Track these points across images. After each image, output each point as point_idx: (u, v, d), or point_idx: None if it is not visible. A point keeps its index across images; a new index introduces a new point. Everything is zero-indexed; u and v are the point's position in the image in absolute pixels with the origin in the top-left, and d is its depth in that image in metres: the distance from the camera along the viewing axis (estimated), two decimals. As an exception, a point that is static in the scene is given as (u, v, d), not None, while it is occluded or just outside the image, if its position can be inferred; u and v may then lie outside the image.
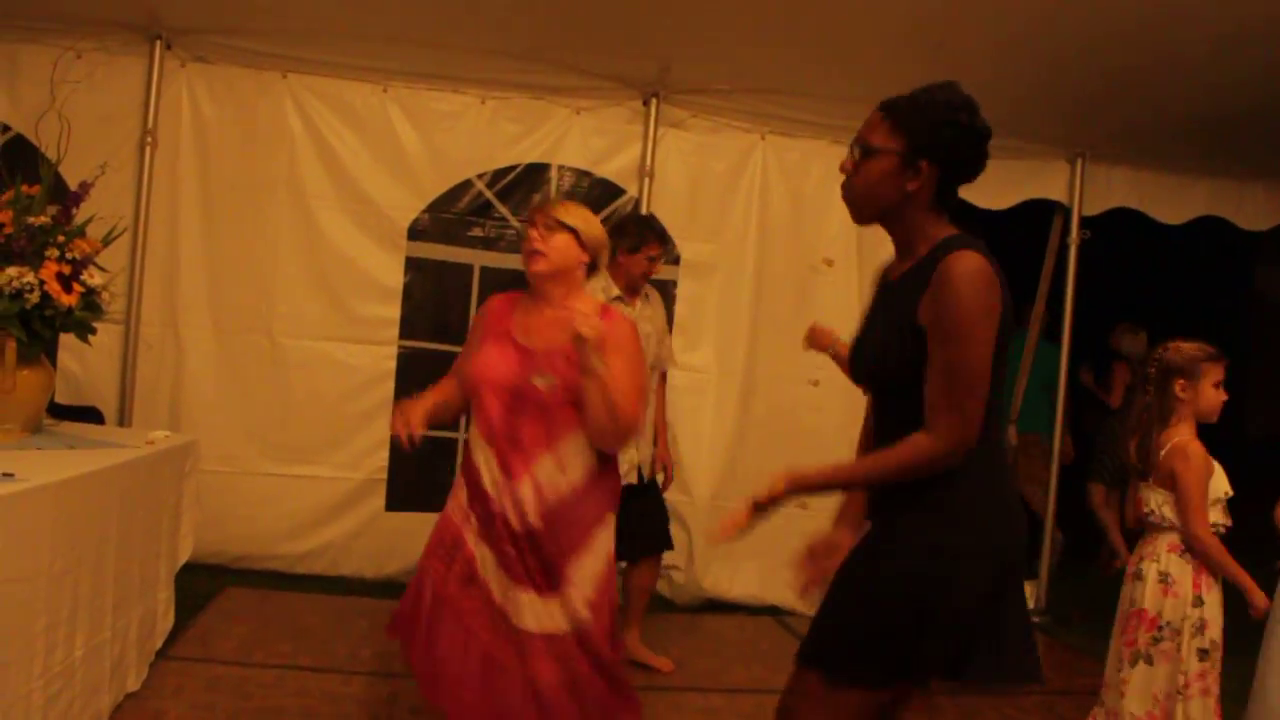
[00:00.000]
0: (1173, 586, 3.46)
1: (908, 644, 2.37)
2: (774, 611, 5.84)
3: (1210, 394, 3.50)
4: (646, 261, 4.71)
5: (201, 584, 5.13)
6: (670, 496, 5.88)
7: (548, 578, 3.13)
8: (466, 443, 3.30)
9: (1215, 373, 3.51)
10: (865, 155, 2.48)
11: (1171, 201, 6.47)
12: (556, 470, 3.15)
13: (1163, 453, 3.50)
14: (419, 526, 5.70)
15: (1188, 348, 3.55)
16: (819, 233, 6.01)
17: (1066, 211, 6.40)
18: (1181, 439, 3.48)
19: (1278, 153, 6.02)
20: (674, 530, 5.86)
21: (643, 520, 4.76)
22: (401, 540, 5.77)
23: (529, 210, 3.46)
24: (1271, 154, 6.05)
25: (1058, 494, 6.41)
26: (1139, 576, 3.56)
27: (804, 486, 2.45)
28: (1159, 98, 5.44)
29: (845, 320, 3.53)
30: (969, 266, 2.33)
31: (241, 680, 4.18)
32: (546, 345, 3.20)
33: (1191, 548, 3.46)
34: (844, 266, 6.03)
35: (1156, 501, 3.53)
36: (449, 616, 3.16)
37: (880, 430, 2.53)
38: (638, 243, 4.70)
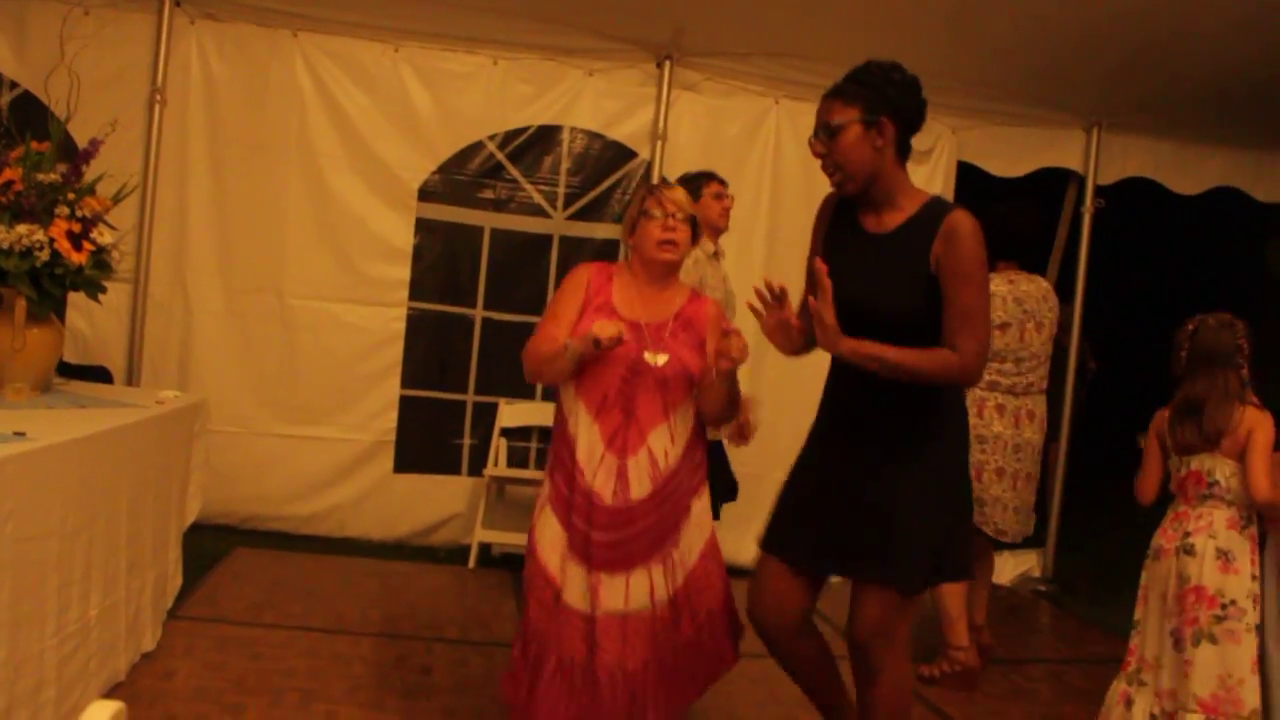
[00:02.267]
0: (1233, 564, 3.37)
1: (953, 546, 2.92)
2: (781, 578, 5.82)
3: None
4: (715, 200, 4.70)
5: (209, 544, 5.13)
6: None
7: (644, 550, 3.17)
8: (561, 420, 3.23)
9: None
10: (833, 134, 2.84)
11: (1187, 172, 6.44)
12: (669, 442, 3.20)
13: (1240, 425, 3.40)
14: (427, 488, 5.79)
15: (1218, 319, 3.52)
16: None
17: (1081, 180, 6.35)
18: (1256, 408, 3.42)
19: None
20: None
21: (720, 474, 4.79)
22: (409, 502, 5.79)
23: (646, 193, 3.36)
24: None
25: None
26: (1188, 551, 3.41)
27: (860, 351, 2.78)
28: (1178, 68, 5.39)
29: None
30: (972, 222, 2.78)
31: (251, 640, 4.19)
32: (651, 320, 3.25)
33: (1262, 503, 3.37)
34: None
35: (1225, 473, 3.41)
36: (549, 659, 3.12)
37: (858, 369, 2.83)
38: (696, 189, 4.67)
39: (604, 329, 3.04)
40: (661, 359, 3.21)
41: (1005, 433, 4.49)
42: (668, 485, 3.19)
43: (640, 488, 3.15)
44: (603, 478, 3.15)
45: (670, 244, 3.29)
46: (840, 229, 3.01)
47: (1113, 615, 5.60)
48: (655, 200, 3.34)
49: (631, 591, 3.15)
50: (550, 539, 3.17)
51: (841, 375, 3.00)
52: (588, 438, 3.17)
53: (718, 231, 4.77)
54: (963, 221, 2.76)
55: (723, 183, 4.82)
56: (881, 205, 2.90)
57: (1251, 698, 3.33)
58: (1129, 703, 3.50)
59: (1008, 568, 6.28)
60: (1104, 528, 7.32)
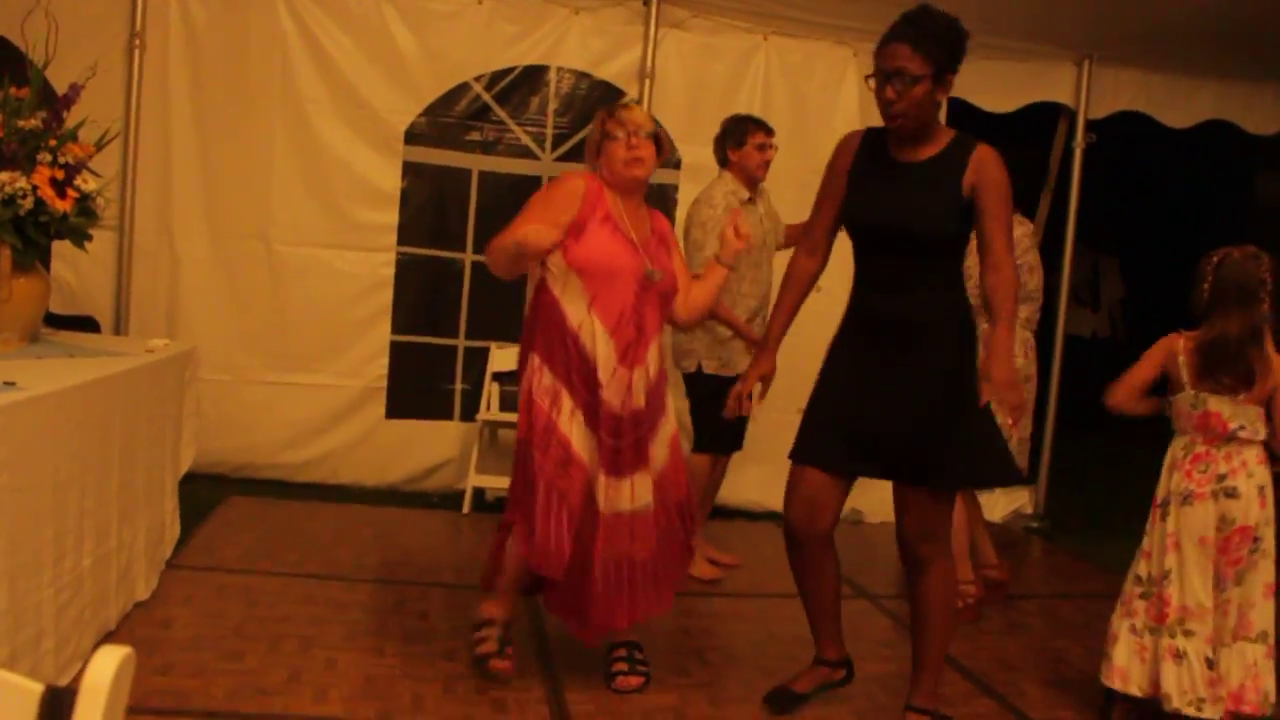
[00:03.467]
0: (1267, 497, 3.38)
1: (994, 449, 3.22)
2: (774, 516, 5.79)
3: None
4: (756, 151, 4.75)
5: (203, 493, 5.12)
6: (677, 404, 5.91)
7: (638, 456, 3.40)
8: (567, 332, 3.36)
9: None
10: (911, 84, 3.08)
11: (1179, 104, 6.38)
12: (658, 353, 3.48)
13: (1262, 364, 3.34)
14: (419, 434, 5.78)
15: (1244, 252, 3.40)
16: (822, 136, 5.83)
17: (1072, 115, 6.30)
18: (1273, 351, 3.36)
19: (1288, 55, 5.93)
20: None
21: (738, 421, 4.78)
22: (402, 448, 5.78)
23: (605, 115, 3.53)
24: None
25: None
26: (1230, 494, 3.34)
27: (1008, 354, 3.13)
28: (1171, -1, 5.33)
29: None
30: (996, 152, 3.15)
31: (248, 588, 4.19)
32: (642, 237, 3.47)
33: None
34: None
35: (1249, 418, 3.36)
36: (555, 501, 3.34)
37: (890, 283, 3.19)
38: (741, 136, 4.76)
39: (538, 234, 3.26)
40: (659, 274, 3.45)
41: (1020, 365, 4.48)
42: (655, 393, 3.48)
43: (639, 397, 3.40)
44: (614, 389, 3.36)
45: (637, 160, 3.46)
46: (869, 161, 3.28)
47: (1103, 550, 5.66)
48: (616, 121, 3.50)
49: (636, 491, 3.40)
50: (579, 437, 3.35)
51: (871, 290, 3.25)
52: (605, 352, 3.34)
53: (754, 181, 4.81)
54: (990, 152, 3.14)
55: (769, 131, 4.84)
56: (918, 140, 3.19)
57: (1261, 620, 3.36)
58: (1179, 656, 3.34)
59: (1000, 505, 6.31)
60: (1093, 464, 7.37)
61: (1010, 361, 3.12)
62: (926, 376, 3.16)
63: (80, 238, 3.80)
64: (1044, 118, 6.41)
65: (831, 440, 3.26)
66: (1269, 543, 3.38)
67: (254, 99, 5.50)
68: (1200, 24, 5.55)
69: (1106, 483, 7.02)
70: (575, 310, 3.37)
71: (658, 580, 3.48)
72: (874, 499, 4.96)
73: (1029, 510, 6.37)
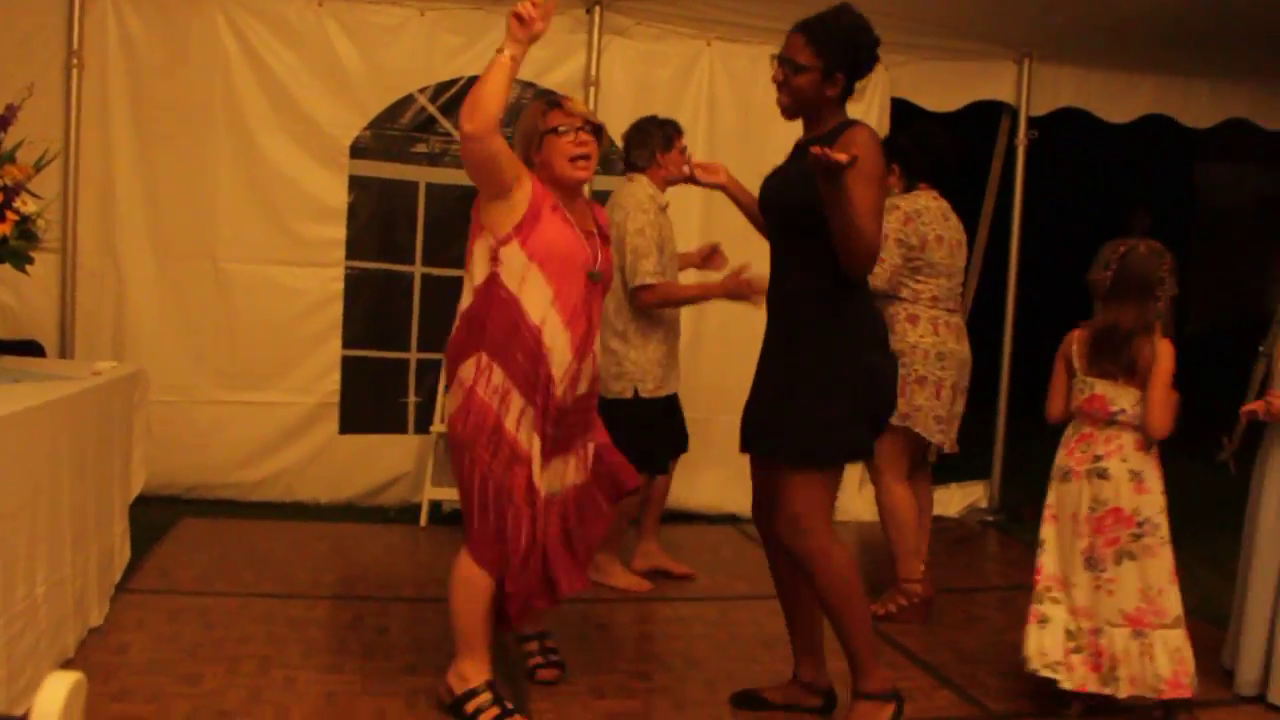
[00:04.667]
0: (1145, 484, 3.47)
1: (840, 433, 3.24)
2: (733, 520, 5.88)
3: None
4: (679, 153, 4.71)
5: (156, 516, 5.06)
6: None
7: (575, 436, 3.41)
8: (526, 328, 3.22)
9: None
10: (794, 72, 3.19)
11: (1117, 100, 6.48)
12: (598, 343, 3.46)
13: (1148, 353, 3.46)
14: (374, 448, 5.75)
15: (1150, 247, 3.54)
16: (768, 139, 5.89)
17: (1014, 113, 6.38)
18: (1158, 339, 3.48)
19: (1221, 50, 6.04)
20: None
21: (677, 430, 4.91)
22: (357, 463, 5.74)
23: (546, 107, 3.38)
24: (1215, 52, 6.06)
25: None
26: (1101, 475, 3.49)
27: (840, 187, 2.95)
28: (1104, -3, 5.42)
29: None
30: (868, 132, 3.17)
31: (204, 610, 4.15)
32: (585, 229, 3.38)
33: (1158, 439, 3.47)
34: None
35: (1130, 402, 3.48)
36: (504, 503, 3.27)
37: (775, 262, 3.32)
38: (668, 139, 4.71)
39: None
40: (600, 274, 3.38)
41: (957, 349, 4.53)
42: (595, 378, 3.46)
43: (584, 385, 3.37)
44: (566, 384, 3.29)
45: (585, 159, 3.32)
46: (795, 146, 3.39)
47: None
48: (562, 113, 3.32)
49: (571, 470, 3.42)
50: (525, 436, 3.25)
51: (773, 287, 3.36)
52: (563, 347, 3.26)
53: (670, 183, 4.72)
54: (859, 131, 3.14)
55: (681, 131, 4.81)
56: (813, 127, 3.28)
57: (1173, 606, 3.46)
58: (1043, 621, 3.55)
59: (955, 500, 6.37)
60: (1045, 457, 7.44)
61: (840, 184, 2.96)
62: (788, 354, 3.25)
63: (21, 261, 3.75)
64: (986, 116, 6.49)
65: (742, 424, 3.41)
66: (1166, 530, 3.48)
67: (196, 116, 5.45)
68: (1135, 22, 5.64)
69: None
70: (537, 306, 3.22)
71: (575, 554, 3.44)
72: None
73: (984, 504, 6.43)
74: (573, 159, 3.29)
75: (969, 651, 4.18)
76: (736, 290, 4.37)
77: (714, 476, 5.85)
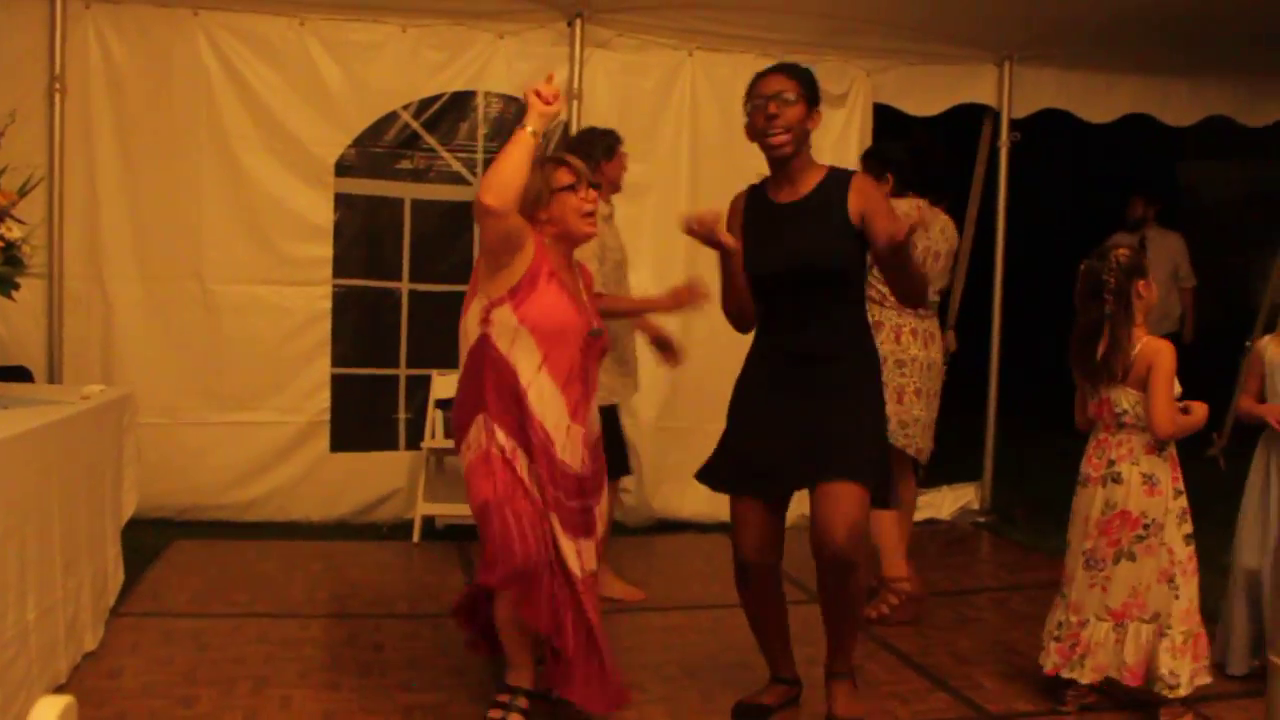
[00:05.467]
0: (1156, 486, 3.49)
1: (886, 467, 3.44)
2: (724, 528, 5.81)
3: (1153, 289, 3.56)
4: (620, 165, 4.74)
5: (148, 539, 5.05)
6: (614, 420, 5.90)
7: (588, 520, 3.30)
8: (518, 390, 3.18)
9: (1147, 269, 3.58)
10: (788, 103, 3.28)
11: (1098, 101, 6.51)
12: (595, 410, 3.40)
13: (1135, 353, 3.49)
14: (365, 466, 5.74)
15: (1126, 248, 3.61)
16: (750, 148, 5.85)
17: (996, 115, 6.41)
18: (1155, 338, 3.52)
19: (1201, 50, 6.08)
20: (622, 453, 5.89)
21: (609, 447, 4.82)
22: (348, 481, 5.74)
23: (555, 165, 3.36)
24: (1194, 51, 6.10)
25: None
26: (1115, 479, 3.52)
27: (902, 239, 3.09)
28: (1082, -1, 5.45)
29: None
30: (864, 175, 3.51)
31: (198, 631, 4.14)
32: (577, 290, 3.35)
33: (1162, 439, 3.50)
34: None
35: (1130, 402, 3.50)
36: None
37: (795, 321, 3.32)
38: (612, 147, 4.71)
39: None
40: (600, 331, 3.36)
41: (920, 355, 4.62)
42: (598, 453, 3.37)
43: (588, 456, 3.31)
44: (570, 449, 3.24)
45: (592, 215, 3.32)
46: (754, 212, 3.43)
47: (1050, 541, 5.72)
48: (570, 170, 3.34)
49: (586, 557, 3.31)
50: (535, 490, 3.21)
51: (777, 331, 3.38)
52: (555, 410, 3.21)
53: (615, 191, 4.78)
54: (863, 177, 3.45)
55: (622, 140, 4.82)
56: (795, 178, 3.35)
57: (1156, 602, 3.50)
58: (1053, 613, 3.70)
59: (947, 502, 6.38)
60: (1036, 458, 7.46)
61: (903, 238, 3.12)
62: (835, 394, 3.30)
63: (7, 287, 3.74)
64: (969, 119, 6.52)
65: (764, 468, 3.36)
66: (1171, 531, 3.51)
67: (180, 138, 5.46)
68: (1114, 23, 5.68)
69: (1049, 475, 7.10)
70: (526, 368, 3.20)
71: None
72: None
73: (976, 506, 6.44)
74: (584, 215, 3.30)
75: (964, 653, 4.19)
76: (679, 303, 4.31)
77: (704, 486, 5.84)
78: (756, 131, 3.33)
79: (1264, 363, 3.89)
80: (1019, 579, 5.35)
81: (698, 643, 4.28)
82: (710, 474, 3.54)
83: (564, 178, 3.32)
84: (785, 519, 3.46)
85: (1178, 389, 3.51)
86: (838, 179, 3.33)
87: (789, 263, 3.30)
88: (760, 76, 3.37)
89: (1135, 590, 3.50)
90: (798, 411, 3.30)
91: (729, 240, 3.26)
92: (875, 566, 4.54)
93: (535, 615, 3.19)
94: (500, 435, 3.19)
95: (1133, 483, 3.51)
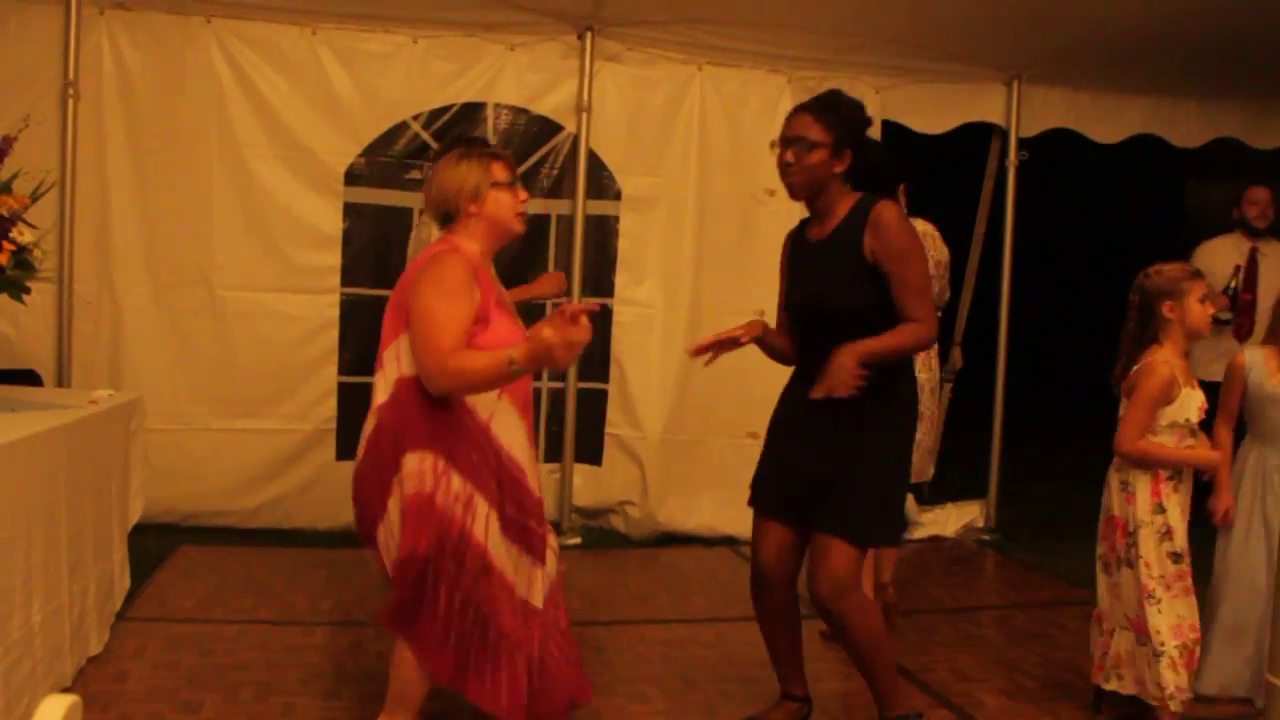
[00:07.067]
0: (1132, 495, 3.53)
1: (895, 509, 3.46)
2: (730, 542, 5.88)
3: (1197, 310, 3.53)
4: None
5: (153, 544, 5.06)
6: (622, 432, 5.92)
7: (544, 545, 3.15)
8: (475, 426, 2.97)
9: (1198, 289, 3.55)
10: (807, 150, 3.23)
11: (1107, 121, 6.53)
12: None
13: (1134, 369, 3.55)
14: (372, 475, 5.72)
15: (1169, 269, 3.58)
16: (759, 163, 5.91)
17: (1004, 134, 6.42)
18: (1154, 358, 3.52)
19: (1209, 71, 6.09)
20: (627, 466, 5.90)
21: None
22: (354, 489, 5.73)
23: (490, 158, 3.12)
24: (1203, 72, 6.11)
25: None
26: (1107, 483, 3.65)
27: (859, 354, 3.06)
28: (1093, 18, 5.46)
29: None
30: (894, 209, 3.23)
31: (203, 637, 4.15)
32: (509, 302, 3.18)
33: (1121, 455, 3.55)
34: (785, 196, 5.99)
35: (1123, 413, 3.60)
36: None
37: (821, 357, 3.13)
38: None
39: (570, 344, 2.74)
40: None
41: (921, 377, 4.55)
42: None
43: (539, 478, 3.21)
44: (532, 473, 3.12)
45: (523, 213, 3.16)
46: (795, 247, 3.47)
47: (1053, 560, 5.74)
48: (505, 166, 3.13)
49: (550, 563, 3.18)
50: (505, 554, 3.00)
51: (805, 363, 3.36)
52: (518, 436, 3.07)
53: None
54: (885, 210, 3.21)
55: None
56: (824, 215, 3.33)
57: (1153, 620, 3.46)
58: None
59: (951, 519, 6.37)
60: (1041, 477, 7.47)
61: (854, 352, 3.06)
62: (856, 436, 3.24)
63: (18, 291, 3.76)
64: (977, 137, 6.54)
65: (772, 490, 3.43)
66: (1153, 549, 3.51)
67: (191, 145, 5.48)
68: (1124, 44, 5.69)
69: (1054, 493, 7.12)
70: (484, 401, 2.97)
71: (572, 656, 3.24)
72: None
73: (980, 524, 6.43)
74: (518, 213, 3.13)
75: (966, 671, 4.18)
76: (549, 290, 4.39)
77: (710, 499, 5.87)
78: (778, 166, 3.32)
79: (1245, 382, 3.83)
80: (1023, 597, 5.34)
81: (701, 656, 4.28)
82: (752, 491, 3.54)
83: (501, 173, 3.11)
84: (808, 539, 3.37)
85: (1186, 418, 3.51)
86: (859, 212, 3.25)
87: (808, 301, 3.34)
88: (792, 113, 3.34)
89: (1135, 602, 3.53)
90: (818, 446, 3.29)
91: (739, 337, 3.35)
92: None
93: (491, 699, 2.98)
94: (455, 480, 2.93)
95: (1112, 487, 3.62)
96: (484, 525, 2.95)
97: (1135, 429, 3.51)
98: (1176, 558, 3.50)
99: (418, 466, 2.94)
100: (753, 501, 3.51)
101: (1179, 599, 3.49)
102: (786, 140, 3.27)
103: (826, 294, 3.27)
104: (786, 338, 3.50)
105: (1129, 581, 3.54)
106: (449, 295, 2.92)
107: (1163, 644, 3.45)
